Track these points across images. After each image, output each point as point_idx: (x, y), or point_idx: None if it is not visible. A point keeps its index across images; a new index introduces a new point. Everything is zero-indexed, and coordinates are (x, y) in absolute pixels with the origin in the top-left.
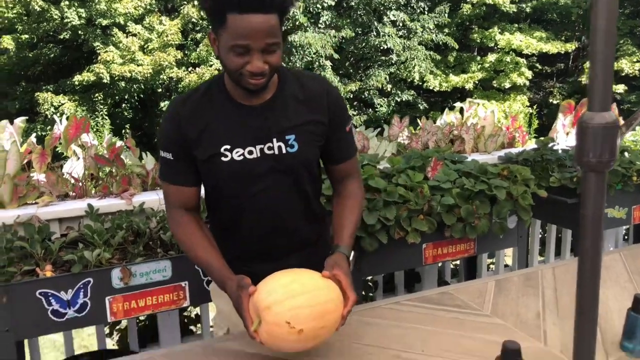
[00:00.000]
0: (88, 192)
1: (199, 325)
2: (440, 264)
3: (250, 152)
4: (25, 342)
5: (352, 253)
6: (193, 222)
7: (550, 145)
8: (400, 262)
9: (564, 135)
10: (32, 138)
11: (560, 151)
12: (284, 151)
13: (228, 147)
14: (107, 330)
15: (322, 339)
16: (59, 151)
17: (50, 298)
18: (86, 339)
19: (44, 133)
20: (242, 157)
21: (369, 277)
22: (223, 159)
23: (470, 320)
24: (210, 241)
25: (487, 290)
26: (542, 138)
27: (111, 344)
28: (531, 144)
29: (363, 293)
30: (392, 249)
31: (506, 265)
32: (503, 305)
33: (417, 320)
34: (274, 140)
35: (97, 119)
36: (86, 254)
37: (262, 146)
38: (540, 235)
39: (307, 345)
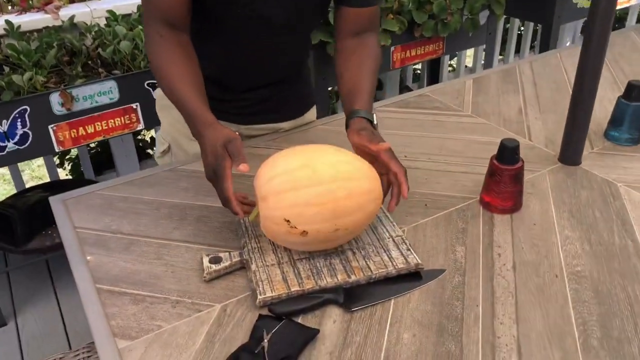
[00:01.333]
0: (3, 7)
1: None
2: (400, 69)
3: None
4: None
5: (375, 116)
6: (177, 44)
7: None
8: None
9: None
10: None
11: None
12: None
13: None
14: (57, 160)
15: (342, 241)
16: None
17: None
18: (37, 170)
19: None
20: None
21: (329, 88)
22: None
23: (452, 121)
24: (195, 72)
25: (465, 90)
26: None
27: (64, 174)
28: None
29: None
30: None
31: (466, 66)
32: (483, 104)
33: (395, 125)
34: None
35: None
36: (15, 78)
37: None
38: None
39: (320, 247)
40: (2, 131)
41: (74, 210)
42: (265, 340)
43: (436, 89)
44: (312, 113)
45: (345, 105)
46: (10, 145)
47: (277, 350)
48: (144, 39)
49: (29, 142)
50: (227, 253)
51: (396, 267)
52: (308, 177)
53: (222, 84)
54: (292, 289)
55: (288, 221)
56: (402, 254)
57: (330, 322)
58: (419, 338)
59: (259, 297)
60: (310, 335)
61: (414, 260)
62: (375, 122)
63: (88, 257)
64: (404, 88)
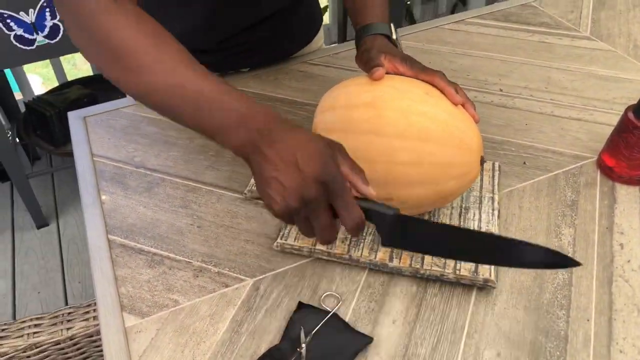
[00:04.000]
0: None
1: None
2: None
3: None
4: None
5: (394, 28)
6: (139, 9)
7: None
8: None
9: None
10: None
11: None
12: None
13: None
14: None
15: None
16: None
17: (9, 21)
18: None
19: None
20: None
21: None
22: None
23: (564, 44)
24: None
25: (584, 2)
26: None
27: None
28: None
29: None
30: None
31: None
32: (608, 23)
33: (487, 46)
34: None
35: None
36: None
37: None
38: None
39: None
40: (29, 22)
41: (94, 132)
42: (303, 345)
43: None
44: (320, 37)
45: (355, 21)
46: (40, 39)
47: None
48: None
49: (59, 36)
50: None
51: (457, 272)
52: (367, 121)
53: (202, 33)
54: (317, 247)
55: None
56: None
57: (389, 321)
58: None
59: (278, 239)
60: (362, 343)
61: (485, 273)
62: (395, 37)
63: (103, 197)
64: None
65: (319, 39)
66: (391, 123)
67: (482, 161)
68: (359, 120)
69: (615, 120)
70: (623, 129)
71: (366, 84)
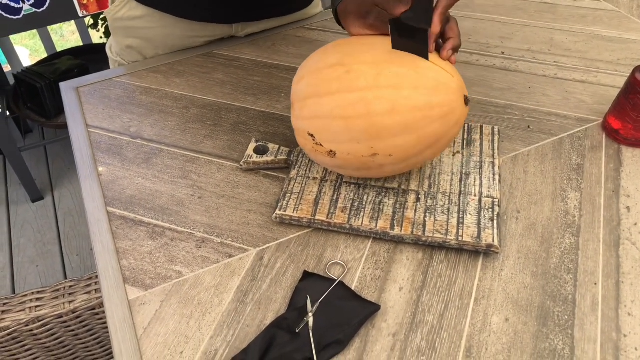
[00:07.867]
0: None
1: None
2: None
3: None
4: None
5: None
6: None
7: None
8: None
9: None
10: None
11: None
12: None
13: None
14: (89, 21)
15: (390, 170)
16: None
17: None
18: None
19: None
20: None
21: None
22: None
23: (567, 5)
24: None
25: None
26: None
27: (98, 36)
28: None
29: None
30: None
31: None
32: None
33: (489, 8)
34: None
35: None
36: None
37: None
38: None
39: (362, 175)
40: None
41: (88, 102)
42: (310, 314)
43: None
44: (317, 3)
45: None
46: (27, 8)
47: (324, 329)
48: None
49: (46, 5)
50: (277, 147)
51: (459, 239)
52: (337, 79)
53: None
54: (317, 217)
55: (312, 136)
56: (479, 222)
57: (395, 288)
58: (513, 325)
59: (277, 210)
60: (370, 311)
61: (488, 239)
62: None
63: (100, 169)
64: None
65: (317, 4)
66: (360, 76)
67: (467, 100)
68: (328, 80)
69: (620, 82)
70: (630, 90)
71: (335, 46)
